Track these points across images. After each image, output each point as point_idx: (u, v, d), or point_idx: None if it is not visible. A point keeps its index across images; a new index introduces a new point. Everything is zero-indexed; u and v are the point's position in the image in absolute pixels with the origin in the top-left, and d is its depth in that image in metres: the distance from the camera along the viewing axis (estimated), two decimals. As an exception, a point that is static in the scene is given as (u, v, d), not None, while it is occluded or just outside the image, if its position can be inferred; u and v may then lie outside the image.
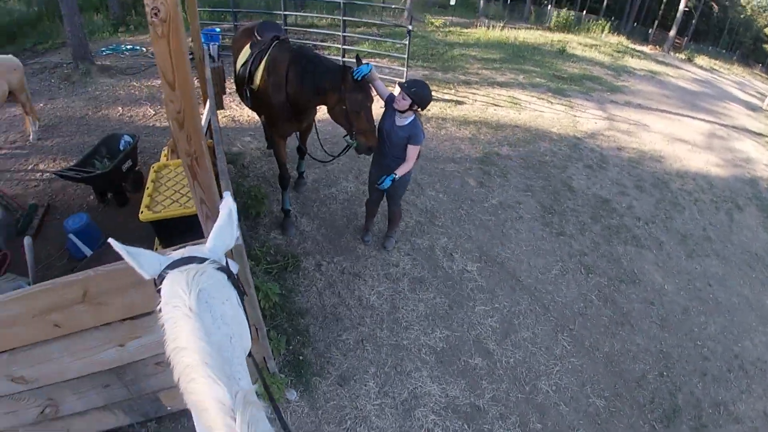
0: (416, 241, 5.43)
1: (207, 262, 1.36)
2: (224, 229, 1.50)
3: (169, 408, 3.66)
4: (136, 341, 3.01)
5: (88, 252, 4.84)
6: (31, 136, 7.32)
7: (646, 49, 20.66)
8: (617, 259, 5.77)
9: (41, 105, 8.24)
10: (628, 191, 7.23)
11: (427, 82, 10.15)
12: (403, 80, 4.22)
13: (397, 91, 4.30)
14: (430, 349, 4.31)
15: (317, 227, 5.49)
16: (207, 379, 1.10)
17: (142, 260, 1.41)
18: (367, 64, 4.06)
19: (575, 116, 9.59)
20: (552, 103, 10.08)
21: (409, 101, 4.11)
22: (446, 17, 17.93)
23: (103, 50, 10.98)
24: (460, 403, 3.95)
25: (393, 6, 10.88)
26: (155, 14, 1.74)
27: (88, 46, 10.21)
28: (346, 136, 4.36)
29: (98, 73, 9.74)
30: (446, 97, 9.62)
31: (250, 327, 1.49)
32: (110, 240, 1.45)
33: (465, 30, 16.01)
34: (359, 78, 4.03)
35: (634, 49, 18.24)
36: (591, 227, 6.19)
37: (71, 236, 4.85)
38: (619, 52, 16.82)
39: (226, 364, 1.16)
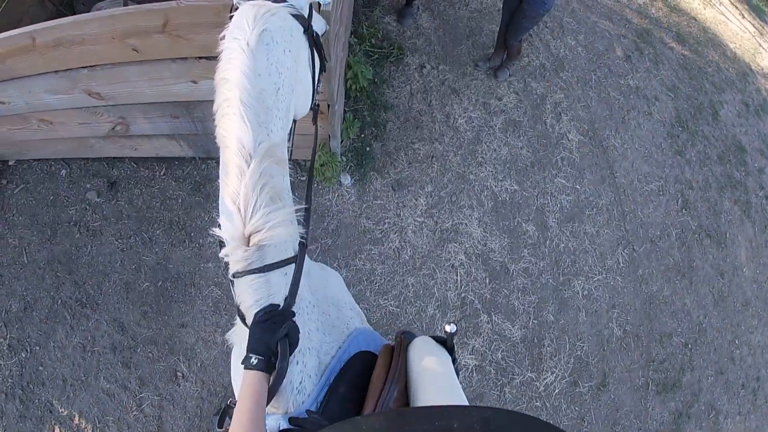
0: (531, 83, 4.73)
1: (283, 4, 1.22)
2: None
3: None
4: (209, 81, 2.88)
5: None
6: None
7: None
8: (718, 212, 5.06)
9: None
10: (768, 153, 6.22)
11: None
12: None
13: None
14: (492, 195, 3.96)
15: (436, 27, 4.80)
16: (237, 117, 1.08)
17: None
18: None
19: (760, 45, 8.05)
20: (744, 17, 8.43)
21: None
22: None
23: None
24: (494, 258, 3.71)
25: None
26: None
27: None
28: None
29: None
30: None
31: (314, 95, 1.44)
32: None
33: None
34: None
35: None
36: (713, 166, 5.36)
37: None
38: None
39: (263, 110, 1.10)
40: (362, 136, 3.94)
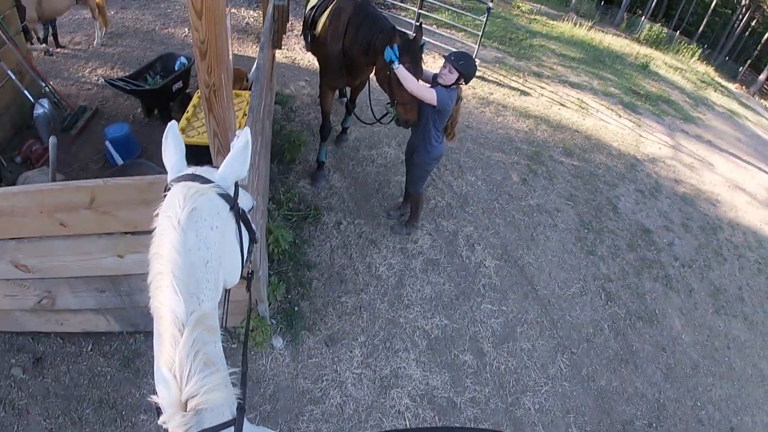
0: (442, 222, 5.20)
1: (210, 185, 1.36)
2: (237, 158, 1.47)
3: None
4: (135, 255, 3.07)
5: (120, 161, 4.85)
6: (95, 41, 7.35)
7: (732, 86, 19.37)
8: (642, 294, 5.42)
9: (112, 12, 8.20)
10: (673, 227, 6.78)
11: (498, 65, 9.80)
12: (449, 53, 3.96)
13: (433, 67, 4.05)
14: (424, 334, 4.16)
15: (347, 186, 5.32)
16: (169, 289, 1.13)
17: (171, 159, 1.49)
18: (393, 46, 3.79)
19: (641, 136, 9.04)
20: (620, 116, 9.52)
21: (456, 75, 3.83)
22: (535, 4, 17.06)
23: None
24: (438, 395, 3.80)
25: None
26: None
27: None
28: (388, 103, 4.15)
29: None
30: (513, 84, 9.15)
31: (244, 265, 1.53)
32: (171, 123, 1.58)
33: (551, 21, 15.19)
34: (387, 60, 3.78)
35: (719, 83, 17.14)
36: (624, 254, 5.83)
37: (108, 144, 4.89)
38: (703, 82, 15.79)
39: (193, 282, 1.16)
40: (289, 297, 4.10)
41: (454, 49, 4.34)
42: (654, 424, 4.29)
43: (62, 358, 3.73)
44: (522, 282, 4.90)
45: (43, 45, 6.99)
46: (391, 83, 3.95)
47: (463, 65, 3.81)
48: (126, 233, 2.95)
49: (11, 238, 3.00)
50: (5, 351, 3.74)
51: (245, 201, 1.56)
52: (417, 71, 3.88)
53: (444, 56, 3.94)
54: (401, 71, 3.78)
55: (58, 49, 7.21)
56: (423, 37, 3.97)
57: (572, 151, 7.47)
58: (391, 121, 4.29)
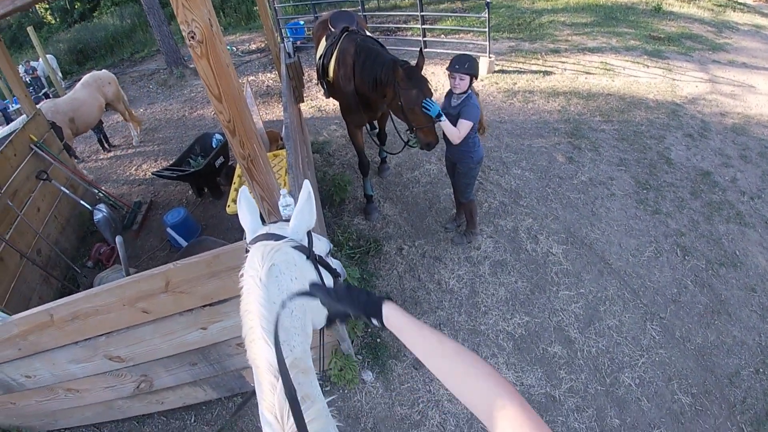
0: (499, 222, 5.08)
1: (284, 240, 1.42)
2: (303, 210, 1.52)
3: (253, 384, 3.72)
4: (217, 324, 3.18)
5: (184, 243, 5.02)
6: (134, 140, 7.78)
7: (750, 0, 18.04)
8: (718, 239, 5.06)
9: (141, 110, 8.62)
10: (732, 162, 6.32)
11: (514, 54, 9.55)
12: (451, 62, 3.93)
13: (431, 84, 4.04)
14: (507, 335, 4.05)
15: (400, 211, 5.30)
16: (261, 341, 1.18)
17: (247, 222, 1.59)
18: (427, 101, 3.86)
19: (674, 80, 8.52)
20: (648, 66, 9.02)
21: (467, 79, 3.83)
22: None
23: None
24: (535, 392, 3.69)
25: None
26: (192, 37, 1.79)
27: (180, 51, 10.52)
28: (407, 130, 4.14)
29: (192, 75, 10.08)
30: (533, 68, 8.89)
31: None
32: (242, 189, 1.70)
33: None
34: (435, 116, 3.84)
35: (736, 2, 15.83)
36: (690, 204, 5.48)
37: (169, 230, 5.08)
38: (720, 5, 14.66)
39: (282, 330, 1.21)
40: (369, 330, 4.10)
41: (462, 52, 4.28)
42: (761, 370, 3.97)
43: None
44: (594, 260, 4.69)
45: (109, 151, 7.47)
46: (403, 110, 3.95)
47: (468, 66, 3.80)
48: (204, 306, 3.04)
49: (100, 335, 3.14)
50: None
51: (321, 246, 1.60)
52: (426, 92, 3.87)
53: (447, 70, 3.91)
54: (446, 126, 3.89)
55: (111, 150, 7.67)
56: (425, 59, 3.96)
57: (610, 116, 7.13)
58: (414, 146, 4.27)
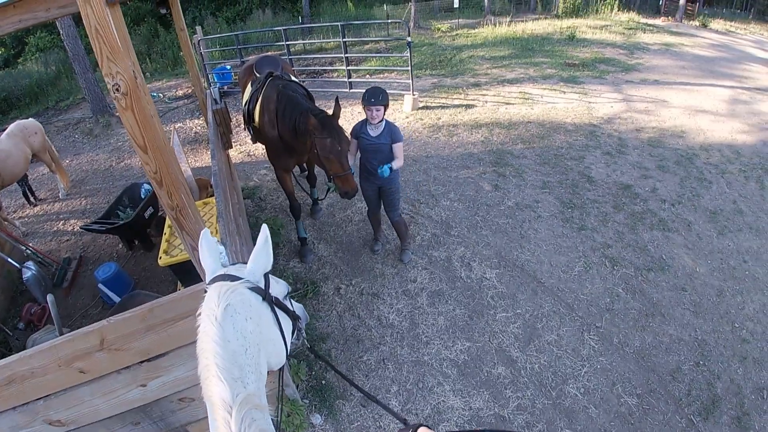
0: (433, 254, 5.35)
1: (240, 281, 1.50)
2: (260, 253, 1.62)
3: None
4: (156, 380, 3.17)
5: (117, 299, 5.00)
6: (60, 193, 7.65)
7: (659, 21, 19.84)
8: (643, 246, 5.53)
9: (68, 161, 8.53)
10: (650, 173, 6.94)
11: (436, 90, 10.16)
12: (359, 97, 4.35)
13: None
14: (451, 363, 4.23)
15: (334, 251, 5.49)
16: (215, 378, 1.26)
17: (207, 262, 1.67)
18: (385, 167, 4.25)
19: (590, 103, 9.32)
20: (565, 92, 9.82)
21: (382, 109, 4.23)
22: (452, 20, 17.71)
23: (120, 100, 11.38)
24: (484, 414, 3.86)
25: (398, 21, 10.82)
26: (116, 89, 1.89)
27: (105, 99, 10.57)
28: (328, 180, 4.32)
29: (118, 124, 10.13)
30: (456, 102, 9.50)
31: (287, 346, 1.67)
32: (203, 231, 1.79)
33: (472, 31, 15.77)
34: (381, 175, 4.23)
35: (646, 24, 17.58)
36: (613, 217, 5.97)
37: (100, 286, 5.05)
38: (630, 29, 16.25)
39: (236, 368, 1.29)
40: (313, 373, 4.17)
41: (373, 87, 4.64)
42: (700, 362, 4.33)
43: None
44: (527, 280, 5.01)
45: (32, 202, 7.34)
46: (320, 160, 4.15)
47: (383, 99, 4.20)
48: (142, 362, 3.03)
49: (38, 398, 3.06)
50: None
51: (279, 288, 1.72)
52: (341, 141, 4.08)
53: (363, 104, 4.24)
54: (397, 163, 4.37)
55: (38, 204, 7.53)
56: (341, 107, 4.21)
57: (531, 142, 7.70)
58: (333, 192, 4.44)
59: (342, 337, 4.50)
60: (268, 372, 1.51)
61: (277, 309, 1.61)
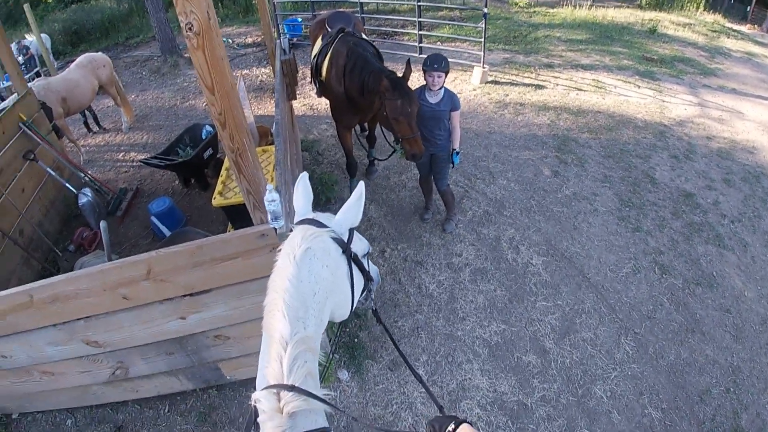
0: (482, 231, 5.12)
1: (326, 230, 1.48)
2: (351, 208, 1.59)
3: (228, 377, 3.82)
4: (196, 315, 3.16)
5: (167, 233, 5.00)
6: (123, 126, 7.70)
7: (744, 28, 18.16)
8: (696, 259, 5.14)
9: (133, 96, 8.56)
10: (715, 185, 6.42)
11: (507, 65, 9.62)
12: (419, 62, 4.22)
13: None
14: (483, 342, 4.07)
15: (384, 214, 5.32)
16: (279, 314, 1.24)
17: (299, 204, 1.64)
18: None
19: (663, 101, 8.64)
20: (639, 87, 9.13)
21: (444, 76, 4.06)
22: None
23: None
24: (508, 399, 3.71)
25: None
26: (189, 29, 1.81)
27: (176, 40, 10.47)
28: (394, 141, 4.20)
29: (186, 65, 10.02)
30: (526, 81, 8.96)
31: (354, 302, 1.62)
32: (303, 174, 1.74)
33: (551, 10, 14.67)
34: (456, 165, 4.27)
35: (730, 29, 16.09)
36: (671, 223, 5.56)
37: (153, 218, 5.04)
38: (714, 31, 14.90)
39: (301, 308, 1.27)
40: (347, 330, 4.11)
41: (450, 59, 4.39)
42: (731, 389, 4.04)
43: (142, 424, 3.81)
44: (572, 273, 4.74)
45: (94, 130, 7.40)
46: (389, 121, 4.01)
47: (445, 65, 4.03)
48: (185, 296, 3.02)
49: (79, 318, 3.12)
50: (86, 425, 3.85)
51: (360, 246, 1.66)
52: (412, 103, 3.92)
53: (424, 69, 4.08)
54: (456, 135, 4.36)
55: (100, 131, 7.60)
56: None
57: (598, 133, 7.22)
58: (400, 156, 4.33)
59: (380, 299, 4.38)
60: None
61: (354, 265, 1.57)
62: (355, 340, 4.03)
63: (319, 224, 1.49)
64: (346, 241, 1.53)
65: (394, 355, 3.93)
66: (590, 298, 4.50)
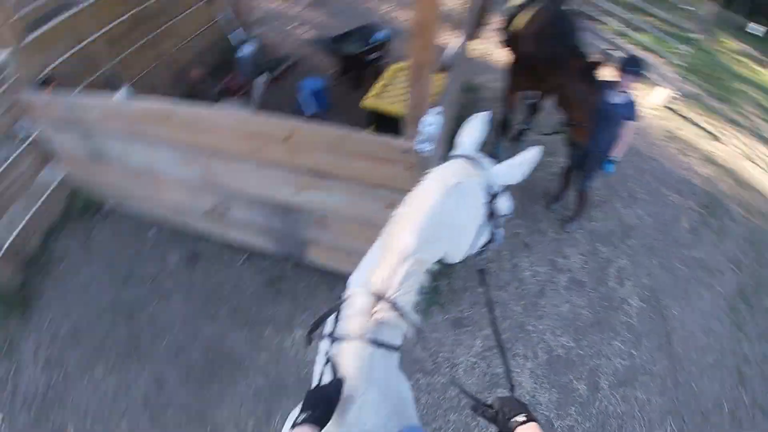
0: (598, 246, 4.87)
1: (483, 174, 1.46)
2: (518, 166, 1.53)
3: (309, 260, 3.90)
4: (311, 193, 3.25)
5: (311, 112, 4.99)
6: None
7: None
8: (775, 386, 4.73)
9: None
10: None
11: (692, 100, 8.62)
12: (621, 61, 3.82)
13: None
14: (547, 348, 4.00)
15: (515, 186, 5.06)
16: (407, 230, 1.25)
17: (465, 138, 1.59)
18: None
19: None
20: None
21: (637, 81, 3.83)
22: (746, 44, 14.35)
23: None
24: (540, 410, 3.65)
25: (689, 7, 8.83)
26: None
27: None
28: (562, 123, 4.00)
29: None
30: (704, 125, 8.07)
31: (467, 252, 1.60)
32: (487, 113, 1.69)
33: (757, 67, 12.89)
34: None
35: None
36: (771, 344, 5.09)
37: (304, 93, 5.01)
38: None
39: (431, 234, 1.27)
40: (432, 271, 4.09)
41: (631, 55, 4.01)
42: None
43: (215, 261, 3.97)
44: (660, 332, 4.48)
45: None
46: (567, 102, 3.83)
47: (644, 72, 3.83)
48: (310, 171, 3.07)
49: (208, 149, 3.25)
50: (167, 241, 4.06)
51: (505, 204, 1.61)
52: (597, 94, 3.74)
53: (620, 67, 3.76)
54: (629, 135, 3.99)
55: None
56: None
57: (752, 215, 6.52)
58: (555, 133, 4.26)
59: (473, 259, 4.26)
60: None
61: (489, 220, 1.54)
62: (434, 283, 4.01)
63: (480, 167, 1.47)
64: (495, 195, 1.50)
65: (462, 315, 3.91)
66: (663, 365, 4.27)
